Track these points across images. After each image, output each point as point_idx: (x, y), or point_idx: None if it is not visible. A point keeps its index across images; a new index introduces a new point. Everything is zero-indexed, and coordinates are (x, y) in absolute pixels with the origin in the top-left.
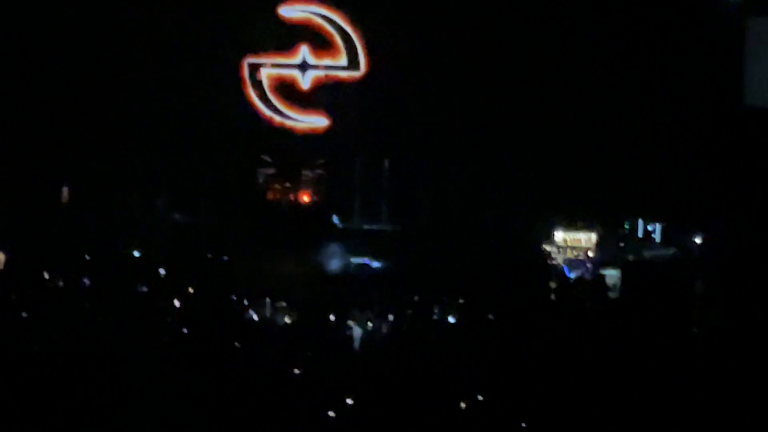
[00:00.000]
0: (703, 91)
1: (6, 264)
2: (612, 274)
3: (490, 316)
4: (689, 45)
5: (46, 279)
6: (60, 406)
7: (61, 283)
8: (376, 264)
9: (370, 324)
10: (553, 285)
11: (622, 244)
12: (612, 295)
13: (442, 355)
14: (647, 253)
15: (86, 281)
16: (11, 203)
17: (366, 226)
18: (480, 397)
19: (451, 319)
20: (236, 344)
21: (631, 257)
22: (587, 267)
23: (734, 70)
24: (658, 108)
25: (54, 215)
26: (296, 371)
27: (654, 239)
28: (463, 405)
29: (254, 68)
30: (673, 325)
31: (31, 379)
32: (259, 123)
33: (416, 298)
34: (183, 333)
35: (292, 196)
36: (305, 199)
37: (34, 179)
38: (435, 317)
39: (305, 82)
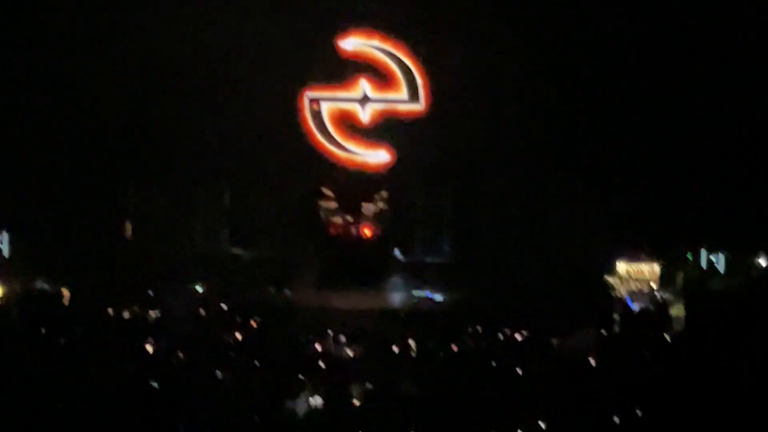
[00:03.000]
0: (765, 124)
1: (70, 300)
2: (676, 306)
3: (553, 347)
4: (749, 81)
5: (110, 314)
6: None
7: (125, 318)
8: (438, 296)
9: (432, 355)
10: (616, 317)
11: (685, 275)
12: (676, 326)
13: (505, 385)
14: (711, 284)
15: (150, 316)
16: (75, 240)
17: (428, 259)
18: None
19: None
20: (300, 377)
21: (694, 288)
22: (650, 298)
23: None
24: (720, 139)
25: (117, 251)
26: (358, 403)
27: (717, 270)
28: None
29: (314, 102)
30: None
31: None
32: (320, 157)
33: (479, 329)
34: (246, 367)
35: (353, 230)
36: (367, 232)
37: (96, 216)
38: (497, 348)
39: (365, 115)
